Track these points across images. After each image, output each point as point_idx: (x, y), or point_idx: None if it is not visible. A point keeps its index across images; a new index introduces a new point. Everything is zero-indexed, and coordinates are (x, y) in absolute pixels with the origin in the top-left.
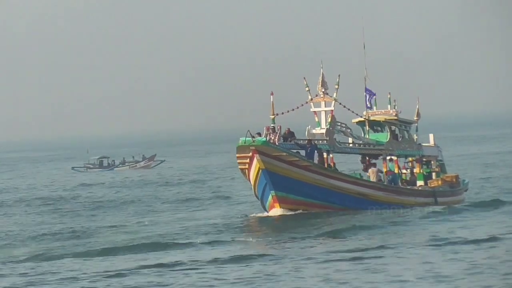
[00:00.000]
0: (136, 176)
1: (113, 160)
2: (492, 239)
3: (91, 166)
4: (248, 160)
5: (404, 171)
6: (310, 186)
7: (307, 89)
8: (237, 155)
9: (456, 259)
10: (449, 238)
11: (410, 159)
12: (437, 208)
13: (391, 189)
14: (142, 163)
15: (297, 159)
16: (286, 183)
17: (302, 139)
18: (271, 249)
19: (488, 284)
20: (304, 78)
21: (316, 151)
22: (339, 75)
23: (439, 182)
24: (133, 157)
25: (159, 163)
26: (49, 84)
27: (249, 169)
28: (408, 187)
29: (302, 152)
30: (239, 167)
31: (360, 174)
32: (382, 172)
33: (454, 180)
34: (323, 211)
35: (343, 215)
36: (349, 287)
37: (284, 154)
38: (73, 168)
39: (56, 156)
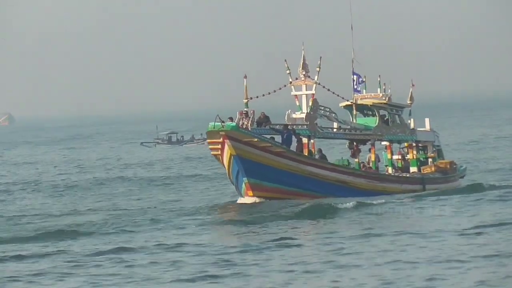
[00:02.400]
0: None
1: (182, 136)
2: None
3: (160, 141)
4: (219, 146)
5: (398, 157)
6: (285, 173)
7: (288, 71)
8: (208, 140)
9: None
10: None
11: (406, 144)
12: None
13: (373, 176)
14: None
15: (270, 144)
16: (259, 170)
17: (278, 124)
18: (233, 236)
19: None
20: (285, 60)
21: (294, 137)
22: (320, 57)
23: (432, 169)
24: (201, 134)
25: None
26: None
27: (221, 154)
28: (397, 174)
29: (278, 138)
30: (212, 153)
31: (348, 160)
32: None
33: (448, 166)
34: (300, 199)
35: (315, 203)
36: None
37: (255, 139)
38: (142, 143)
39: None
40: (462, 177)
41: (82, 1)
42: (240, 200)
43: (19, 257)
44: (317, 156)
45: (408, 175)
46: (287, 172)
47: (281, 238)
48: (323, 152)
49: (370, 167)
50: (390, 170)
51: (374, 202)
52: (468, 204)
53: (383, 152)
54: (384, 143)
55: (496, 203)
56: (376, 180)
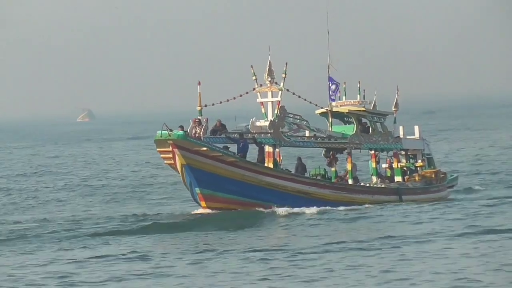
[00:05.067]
0: None
1: None
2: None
3: None
4: (171, 155)
5: (386, 165)
6: (240, 183)
7: (254, 78)
8: (158, 149)
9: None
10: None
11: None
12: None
13: (339, 187)
14: None
15: (221, 154)
16: (212, 180)
17: (235, 132)
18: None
19: None
20: (251, 66)
21: (256, 145)
22: (286, 63)
23: (416, 178)
24: None
25: None
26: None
27: (175, 163)
28: (380, 183)
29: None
30: (165, 162)
31: (324, 169)
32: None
33: (433, 175)
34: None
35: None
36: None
37: (205, 148)
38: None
39: None
40: (451, 186)
41: None
42: (199, 211)
43: None
44: (295, 165)
45: (381, 186)
46: (242, 183)
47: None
48: (302, 160)
49: (342, 178)
50: (374, 179)
51: (307, 211)
52: (430, 215)
53: (369, 161)
54: (369, 152)
55: (459, 220)
56: (342, 190)
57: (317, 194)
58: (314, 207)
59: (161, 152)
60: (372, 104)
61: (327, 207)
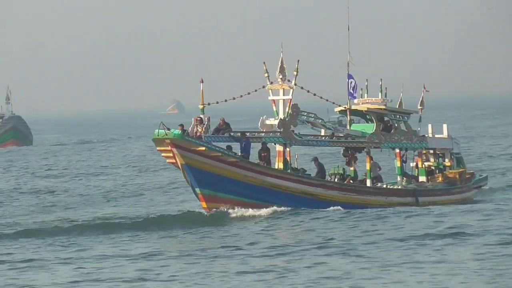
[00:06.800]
0: None
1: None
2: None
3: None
4: (171, 154)
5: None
6: (242, 184)
7: (266, 75)
8: (158, 148)
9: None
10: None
11: (424, 151)
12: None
13: (349, 188)
14: None
15: (220, 154)
16: (213, 180)
17: (237, 132)
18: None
19: None
20: (264, 62)
21: (262, 145)
22: (298, 60)
23: (440, 179)
24: None
25: None
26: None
27: (176, 162)
28: (378, 185)
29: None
30: (167, 161)
31: (343, 168)
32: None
33: (457, 176)
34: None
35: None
36: None
37: (203, 148)
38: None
39: None
40: (478, 187)
41: None
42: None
43: None
44: (313, 165)
45: (399, 187)
46: (244, 183)
47: None
48: (320, 160)
49: (354, 178)
50: (399, 179)
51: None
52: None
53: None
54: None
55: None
56: (353, 192)
57: (324, 195)
58: (324, 208)
59: (161, 151)
60: (398, 103)
61: (331, 208)
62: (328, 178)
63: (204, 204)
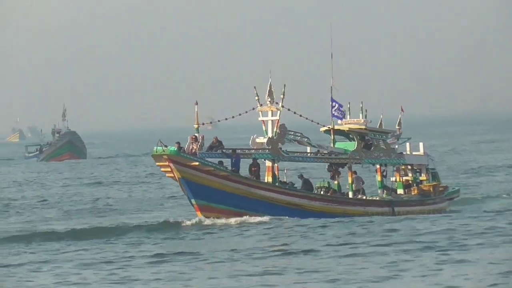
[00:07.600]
0: None
1: None
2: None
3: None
4: (170, 169)
5: (394, 179)
6: (233, 196)
7: (256, 98)
8: (157, 164)
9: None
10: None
11: (402, 167)
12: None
13: (330, 199)
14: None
15: (213, 168)
16: (206, 192)
17: (228, 149)
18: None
19: None
20: (254, 87)
21: (252, 161)
22: (284, 85)
23: (415, 191)
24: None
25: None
26: None
27: (174, 176)
28: (359, 197)
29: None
30: (167, 175)
31: (328, 182)
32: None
33: (431, 189)
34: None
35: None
36: None
37: (197, 163)
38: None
39: None
40: (451, 199)
41: None
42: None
43: None
44: (299, 182)
45: (377, 198)
46: (236, 195)
47: None
48: (305, 176)
49: (337, 191)
50: (380, 192)
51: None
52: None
53: (375, 175)
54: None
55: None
56: (334, 203)
57: (308, 206)
58: (308, 218)
59: (160, 166)
60: (378, 123)
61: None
62: (315, 191)
63: (199, 214)
